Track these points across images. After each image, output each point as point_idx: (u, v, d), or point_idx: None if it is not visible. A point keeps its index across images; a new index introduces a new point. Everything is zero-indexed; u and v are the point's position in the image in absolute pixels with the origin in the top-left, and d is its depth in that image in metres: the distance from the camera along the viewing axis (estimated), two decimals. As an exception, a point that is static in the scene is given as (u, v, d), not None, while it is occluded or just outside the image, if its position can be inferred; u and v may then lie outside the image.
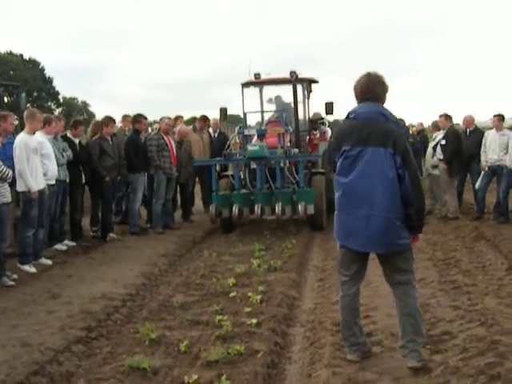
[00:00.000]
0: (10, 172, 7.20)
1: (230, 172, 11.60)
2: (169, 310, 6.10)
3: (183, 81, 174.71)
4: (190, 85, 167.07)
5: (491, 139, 11.14)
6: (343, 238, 4.51)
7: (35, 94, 65.01)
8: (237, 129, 12.19)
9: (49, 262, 8.20)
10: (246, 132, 11.50)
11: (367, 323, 5.35)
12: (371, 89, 4.45)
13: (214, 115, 14.07)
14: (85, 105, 74.79)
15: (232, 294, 6.46)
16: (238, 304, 6.18)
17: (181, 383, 4.23)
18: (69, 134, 9.70)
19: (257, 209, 10.13)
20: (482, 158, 11.12)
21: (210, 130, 14.03)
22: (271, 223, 11.00)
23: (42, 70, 68.17)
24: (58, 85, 69.33)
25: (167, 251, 9.06)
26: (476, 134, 11.48)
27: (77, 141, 9.77)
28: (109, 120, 10.17)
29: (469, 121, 11.72)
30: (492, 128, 11.44)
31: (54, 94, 69.07)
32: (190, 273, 7.77)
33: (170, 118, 11.61)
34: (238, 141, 12.17)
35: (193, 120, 21.70)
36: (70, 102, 71.52)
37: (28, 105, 38.28)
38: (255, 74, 12.08)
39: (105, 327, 5.78)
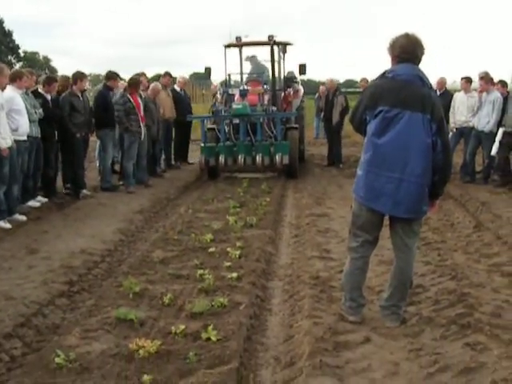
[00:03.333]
0: None
1: (215, 126, 12.58)
2: (149, 265, 6.19)
3: (146, 37, 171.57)
4: (152, 42, 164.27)
5: (459, 101, 11.40)
6: (371, 199, 4.37)
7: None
8: (218, 86, 14.05)
9: (23, 218, 8.16)
10: (230, 91, 13.03)
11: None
12: (411, 50, 4.32)
13: (177, 73, 14.27)
14: (46, 60, 72.94)
15: (211, 250, 6.58)
16: (217, 259, 6.32)
17: (168, 333, 4.36)
18: (40, 90, 9.51)
19: (240, 159, 11.56)
20: (451, 120, 11.36)
21: (176, 87, 14.00)
22: (244, 182, 11.15)
23: (1, 22, 65.97)
24: (17, 38, 67.33)
25: (142, 208, 9.11)
26: (445, 96, 11.68)
27: (49, 97, 9.61)
28: (82, 75, 10.00)
29: (441, 83, 11.91)
30: (460, 90, 11.70)
31: (13, 48, 67.05)
32: (166, 229, 7.85)
33: (139, 74, 11.45)
34: (219, 97, 13.71)
35: (157, 77, 21.47)
36: (32, 57, 69.58)
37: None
38: (236, 37, 13.30)
39: (86, 281, 5.86)
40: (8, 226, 7.71)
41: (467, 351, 4.06)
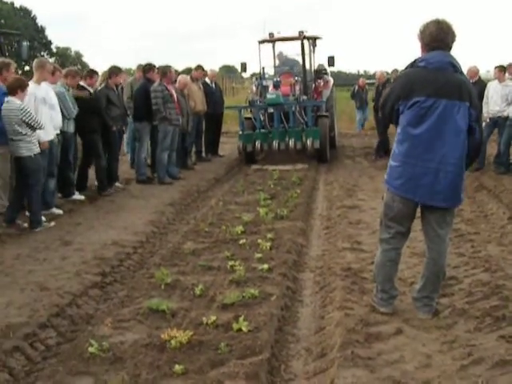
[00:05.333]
0: (42, 122, 7.29)
1: (251, 115, 13.68)
2: (180, 257, 6.25)
3: (174, 31, 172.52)
4: (180, 35, 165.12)
5: (493, 90, 11.16)
6: (408, 190, 4.31)
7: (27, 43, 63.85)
8: (253, 79, 15.38)
9: (60, 211, 8.26)
10: (264, 83, 14.12)
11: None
12: (442, 38, 4.22)
13: (207, 66, 14.54)
14: (78, 55, 73.84)
15: (242, 241, 6.60)
16: (248, 250, 6.33)
17: (200, 324, 4.38)
18: (83, 83, 9.55)
19: (275, 144, 12.56)
20: (484, 110, 11.13)
21: (207, 79, 14.03)
22: (274, 174, 11.17)
23: (34, 18, 66.94)
24: (50, 34, 68.26)
25: (173, 200, 9.16)
26: (478, 86, 11.43)
27: (91, 90, 9.69)
28: (117, 70, 10.11)
29: (472, 72, 11.67)
30: (494, 79, 11.47)
31: (46, 44, 67.99)
32: (197, 221, 7.90)
33: (170, 67, 11.41)
34: (254, 89, 14.79)
35: (187, 71, 21.54)
36: (63, 52, 70.50)
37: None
38: (270, 33, 14.36)
39: (118, 273, 5.93)
40: (42, 218, 7.81)
41: (502, 344, 3.98)
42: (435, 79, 4.19)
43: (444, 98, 4.16)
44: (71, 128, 8.89)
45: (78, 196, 9.20)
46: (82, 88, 9.39)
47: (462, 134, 4.21)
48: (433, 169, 4.22)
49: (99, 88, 9.90)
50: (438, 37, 4.24)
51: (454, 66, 4.25)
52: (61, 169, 8.73)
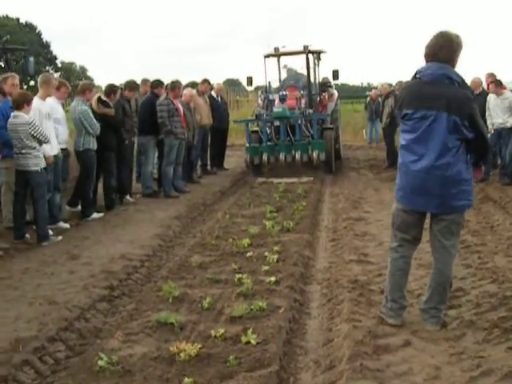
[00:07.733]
0: (48, 135, 7.38)
1: (257, 128, 13.84)
2: (188, 270, 6.26)
3: (178, 46, 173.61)
4: (185, 48, 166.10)
5: (493, 104, 11.16)
6: (407, 200, 4.45)
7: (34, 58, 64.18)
8: (259, 93, 15.71)
9: (67, 225, 8.30)
10: (270, 97, 14.40)
11: (383, 280, 5.48)
12: (433, 52, 4.30)
13: (212, 80, 14.66)
14: (83, 70, 74.18)
15: (248, 254, 6.61)
16: (255, 263, 6.34)
17: (208, 337, 4.39)
18: (104, 98, 9.50)
19: (281, 156, 12.80)
20: (488, 121, 11.14)
21: (213, 93, 14.09)
22: (280, 187, 11.20)
23: (39, 34, 67.37)
24: (55, 49, 68.71)
25: (179, 214, 9.18)
26: (481, 97, 11.42)
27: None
28: (134, 85, 10.41)
29: (476, 83, 11.67)
30: (492, 92, 11.45)
31: (51, 59, 68.34)
32: (204, 234, 7.92)
33: (179, 83, 11.50)
34: (260, 103, 15.04)
35: (191, 85, 21.61)
36: (68, 67, 70.85)
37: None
38: (275, 48, 14.66)
39: (126, 286, 5.96)
40: (50, 232, 7.84)
41: (511, 355, 3.98)
42: (425, 92, 4.29)
43: (433, 110, 4.24)
44: (95, 145, 8.89)
45: (96, 215, 9.04)
46: (105, 103, 9.34)
47: (451, 144, 4.24)
48: (421, 179, 4.31)
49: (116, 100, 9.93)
50: (430, 50, 4.35)
51: (451, 78, 4.28)
52: (83, 187, 8.89)
